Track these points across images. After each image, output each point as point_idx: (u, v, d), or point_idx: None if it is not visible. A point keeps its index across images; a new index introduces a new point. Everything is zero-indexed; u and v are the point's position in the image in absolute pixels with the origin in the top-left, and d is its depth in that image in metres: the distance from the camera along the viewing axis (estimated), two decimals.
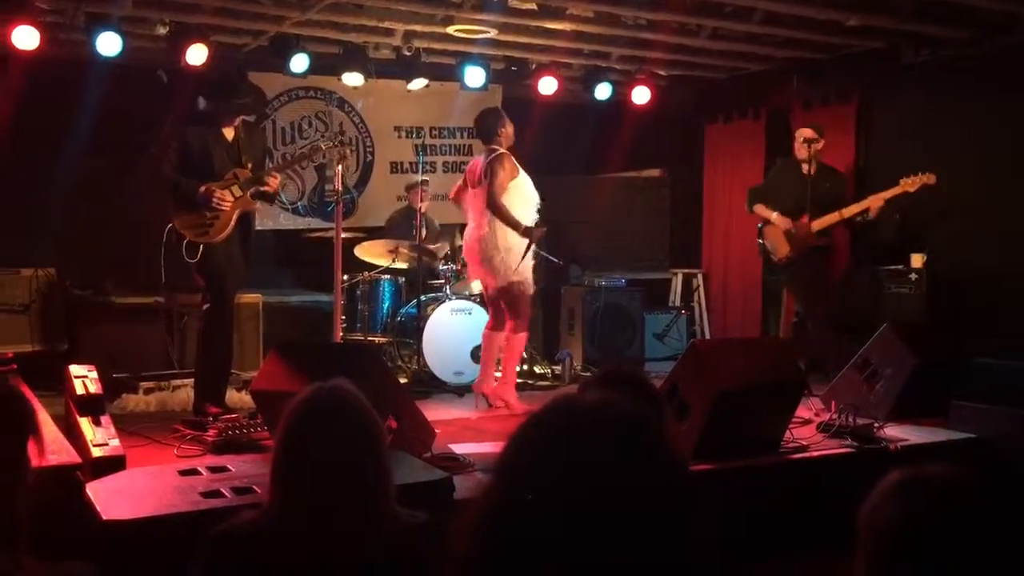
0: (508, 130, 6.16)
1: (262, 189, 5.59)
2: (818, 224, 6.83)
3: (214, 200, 5.38)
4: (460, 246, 7.40)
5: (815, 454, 4.80)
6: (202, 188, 5.38)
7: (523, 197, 6.06)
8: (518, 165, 6.08)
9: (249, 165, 5.64)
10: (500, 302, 6.19)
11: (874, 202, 6.76)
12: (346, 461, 1.96)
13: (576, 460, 1.00)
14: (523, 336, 6.28)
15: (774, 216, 6.97)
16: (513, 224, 5.97)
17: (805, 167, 6.93)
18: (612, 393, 1.14)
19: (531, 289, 6.19)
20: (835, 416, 5.15)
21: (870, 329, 6.25)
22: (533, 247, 6.12)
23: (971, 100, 7.16)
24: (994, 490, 1.30)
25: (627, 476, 0.99)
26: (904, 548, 1.28)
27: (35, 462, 2.00)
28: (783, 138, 8.46)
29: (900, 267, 7.34)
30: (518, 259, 5.99)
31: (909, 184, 6.69)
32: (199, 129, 5.53)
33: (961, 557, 1.26)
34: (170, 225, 5.50)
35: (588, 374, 7.31)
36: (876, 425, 5.13)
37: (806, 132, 7.01)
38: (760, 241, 7.13)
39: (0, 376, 4.72)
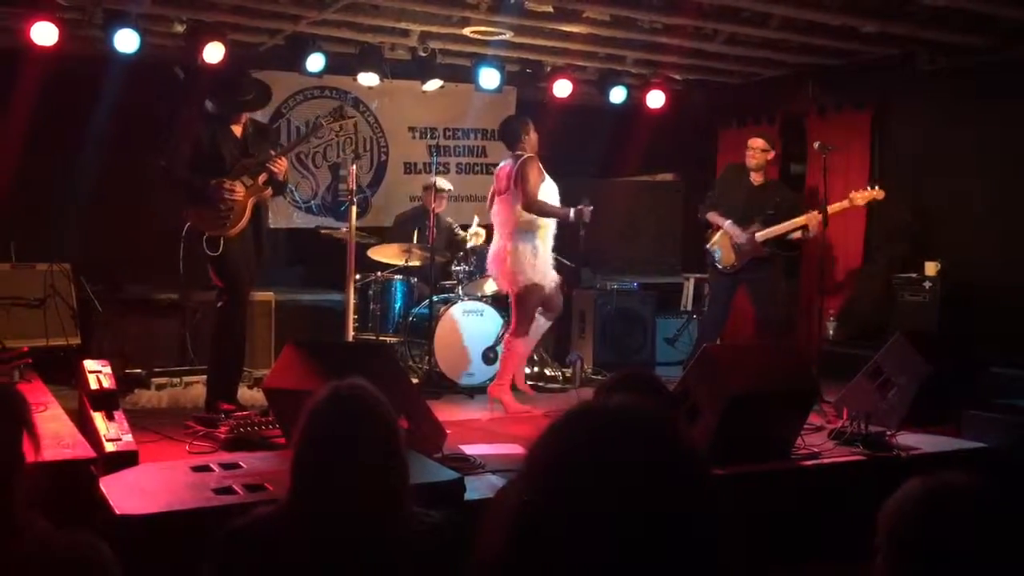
0: (532, 137, 6.22)
1: (271, 172, 5.59)
2: (762, 235, 6.93)
3: (224, 191, 5.42)
4: (471, 248, 7.43)
5: (826, 461, 4.79)
6: (212, 182, 5.42)
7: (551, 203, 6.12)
8: (544, 171, 6.12)
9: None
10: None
11: (812, 219, 6.78)
12: (364, 460, 1.96)
13: (603, 463, 1.01)
14: (524, 340, 6.29)
15: (726, 224, 7.05)
16: (557, 214, 6.06)
17: (754, 176, 7.07)
18: (630, 397, 1.15)
19: (545, 291, 6.20)
20: (847, 423, 5.14)
21: (883, 337, 6.23)
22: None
23: (987, 108, 7.14)
24: (1012, 499, 1.30)
25: (654, 478, 1.00)
26: (926, 555, 1.29)
27: (31, 457, 2.00)
28: (798, 144, 8.47)
29: (914, 275, 7.32)
30: (548, 261, 6.12)
31: (859, 198, 6.72)
32: (209, 127, 5.58)
33: (981, 564, 1.26)
34: (188, 224, 5.54)
35: (599, 377, 7.31)
36: (888, 433, 5.11)
37: (759, 142, 7.10)
38: (708, 247, 7.21)
39: None
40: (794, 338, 7.39)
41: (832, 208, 6.80)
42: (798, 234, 6.86)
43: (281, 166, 5.63)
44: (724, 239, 7.09)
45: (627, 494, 0.98)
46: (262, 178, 5.60)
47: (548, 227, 6.17)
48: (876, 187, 6.66)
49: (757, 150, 7.04)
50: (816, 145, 6.95)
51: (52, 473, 3.37)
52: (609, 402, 1.08)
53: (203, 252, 5.49)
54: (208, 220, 5.48)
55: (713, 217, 7.14)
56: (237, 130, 5.64)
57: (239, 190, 5.49)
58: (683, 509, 1.00)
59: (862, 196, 6.70)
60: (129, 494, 3.42)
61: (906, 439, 5.13)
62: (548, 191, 6.12)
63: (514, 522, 1.00)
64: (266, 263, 5.87)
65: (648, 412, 1.06)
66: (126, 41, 6.36)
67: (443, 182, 7.67)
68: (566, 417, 1.08)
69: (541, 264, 6.13)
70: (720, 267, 7.12)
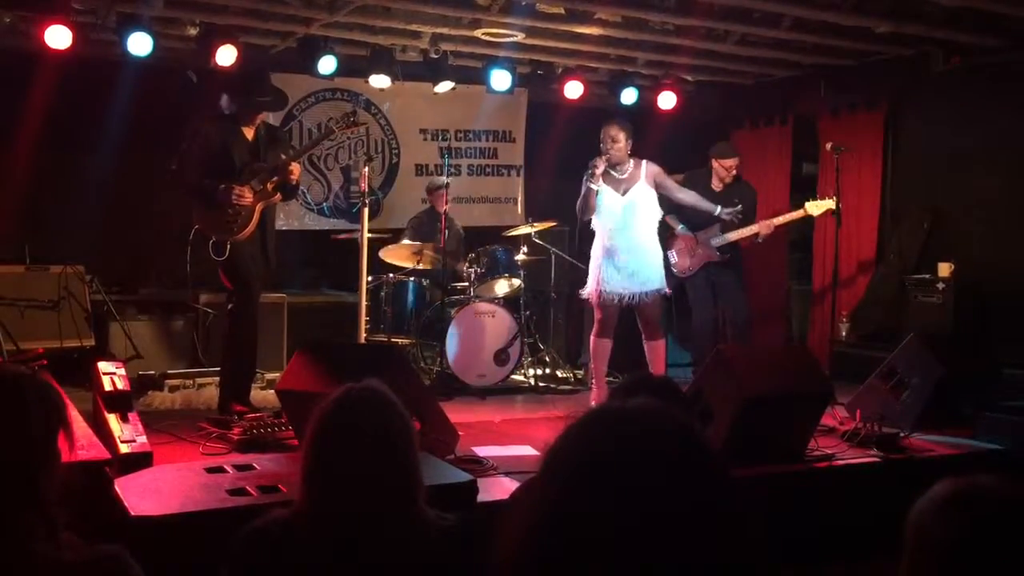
0: (605, 143, 6.18)
1: (284, 179, 5.58)
2: (717, 243, 6.98)
3: (234, 196, 5.42)
4: (485, 248, 7.44)
5: (840, 463, 4.77)
6: (222, 186, 5.42)
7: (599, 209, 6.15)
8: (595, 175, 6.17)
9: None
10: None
11: (764, 227, 6.88)
12: (378, 462, 1.96)
13: (624, 463, 1.01)
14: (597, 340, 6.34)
15: (678, 229, 7.09)
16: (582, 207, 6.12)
17: (715, 183, 7.10)
18: (646, 399, 1.15)
19: (601, 297, 6.17)
20: (860, 425, 5.12)
21: (896, 338, 6.21)
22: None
23: (1001, 108, 7.10)
24: None
25: (676, 478, 1.00)
26: (955, 557, 1.27)
27: (65, 456, 2.01)
28: (810, 145, 8.44)
29: (927, 276, 7.29)
30: (601, 269, 6.13)
31: (814, 207, 6.78)
32: (220, 129, 5.57)
33: (1011, 567, 1.25)
34: (196, 227, 5.55)
35: (611, 379, 7.29)
36: (901, 435, 5.09)
37: (729, 163, 7.11)
38: (666, 251, 7.08)
39: (33, 368, 4.76)
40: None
41: (786, 218, 6.98)
42: (749, 240, 7.01)
43: (295, 171, 5.62)
44: (675, 242, 7.11)
45: (649, 494, 0.98)
46: (272, 183, 5.59)
47: (607, 236, 6.13)
48: (831, 197, 6.68)
49: (731, 171, 7.07)
50: (829, 146, 6.94)
51: (67, 473, 3.38)
52: (628, 404, 1.09)
53: (210, 256, 5.49)
54: (215, 224, 5.47)
55: (669, 219, 7.06)
56: (249, 132, 5.63)
57: (248, 195, 5.48)
58: (706, 509, 1.00)
59: (817, 206, 6.79)
60: (144, 495, 3.44)
61: (920, 441, 5.11)
62: (607, 201, 6.10)
63: (534, 522, 1.01)
64: (274, 266, 5.87)
65: (668, 413, 1.07)
66: (139, 44, 6.39)
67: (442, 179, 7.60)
68: (586, 418, 1.08)
69: (592, 271, 6.18)
70: (675, 271, 7.09)
